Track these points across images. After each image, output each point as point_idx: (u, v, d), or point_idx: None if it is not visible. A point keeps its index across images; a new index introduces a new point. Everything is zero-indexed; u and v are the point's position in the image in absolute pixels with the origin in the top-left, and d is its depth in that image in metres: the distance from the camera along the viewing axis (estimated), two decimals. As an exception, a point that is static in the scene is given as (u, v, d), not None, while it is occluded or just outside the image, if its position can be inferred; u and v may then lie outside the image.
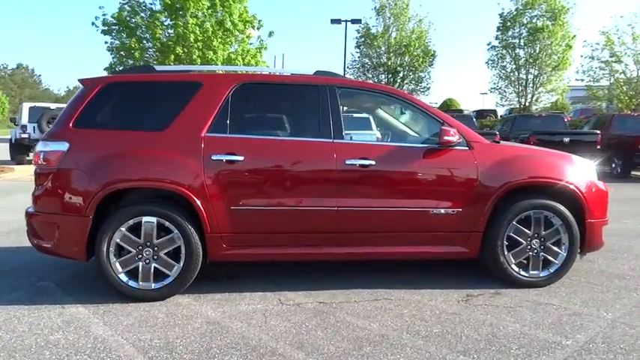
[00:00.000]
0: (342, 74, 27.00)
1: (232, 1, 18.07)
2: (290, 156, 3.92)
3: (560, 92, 29.40)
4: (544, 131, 13.32)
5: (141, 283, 3.74)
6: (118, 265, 3.71)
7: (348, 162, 3.88)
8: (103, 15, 18.11)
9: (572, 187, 4.07)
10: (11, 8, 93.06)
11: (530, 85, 28.99)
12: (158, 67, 4.19)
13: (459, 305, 3.69)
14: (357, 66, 31.61)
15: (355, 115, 10.33)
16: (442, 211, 3.97)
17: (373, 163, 3.91)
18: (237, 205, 3.81)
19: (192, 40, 17.05)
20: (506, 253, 4.03)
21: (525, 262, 4.07)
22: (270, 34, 19.60)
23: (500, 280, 4.10)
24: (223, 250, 3.85)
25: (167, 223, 3.73)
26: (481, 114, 31.28)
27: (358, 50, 31.29)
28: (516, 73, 29.22)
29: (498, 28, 28.97)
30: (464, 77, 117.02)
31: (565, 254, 4.08)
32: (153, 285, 3.75)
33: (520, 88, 29.28)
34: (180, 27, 17.35)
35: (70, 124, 3.82)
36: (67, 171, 3.74)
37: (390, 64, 30.29)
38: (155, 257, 3.74)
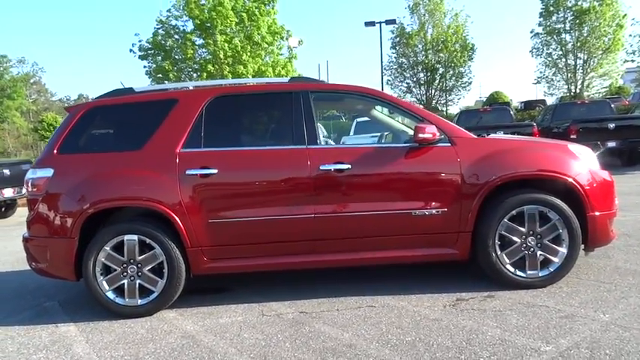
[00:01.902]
0: (381, 76, 26.76)
1: (260, 14, 18.38)
2: (263, 165, 3.88)
3: (619, 75, 27.59)
4: (585, 119, 12.47)
5: (127, 299, 3.83)
6: (104, 283, 3.82)
7: (322, 167, 3.80)
8: (139, 41, 19.00)
9: (569, 179, 3.77)
10: (72, 42, 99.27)
11: (580, 70, 27.51)
12: (137, 88, 4.27)
13: (443, 310, 3.50)
14: (394, 66, 31.17)
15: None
16: (425, 212, 3.79)
17: (349, 167, 3.80)
18: (215, 217, 3.82)
19: (221, 56, 17.47)
20: (499, 252, 3.78)
21: (522, 261, 3.81)
22: (300, 42, 19.78)
23: (497, 282, 3.86)
24: (205, 263, 3.87)
25: (148, 240, 3.80)
26: (529, 104, 29.97)
27: (394, 51, 30.85)
28: (564, 60, 27.83)
29: (541, 14, 27.74)
30: (515, 67, 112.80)
31: (566, 251, 3.78)
32: (139, 301, 3.83)
33: (569, 75, 27.89)
34: (210, 45, 17.84)
35: (55, 151, 3.97)
36: (53, 196, 3.89)
37: (427, 61, 29.66)
38: (139, 274, 3.82)
